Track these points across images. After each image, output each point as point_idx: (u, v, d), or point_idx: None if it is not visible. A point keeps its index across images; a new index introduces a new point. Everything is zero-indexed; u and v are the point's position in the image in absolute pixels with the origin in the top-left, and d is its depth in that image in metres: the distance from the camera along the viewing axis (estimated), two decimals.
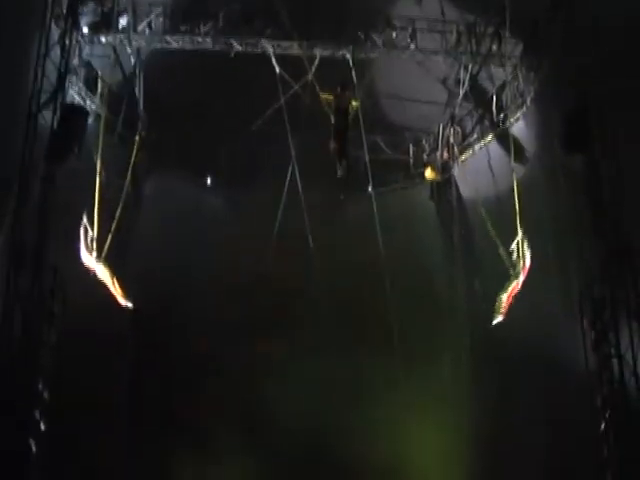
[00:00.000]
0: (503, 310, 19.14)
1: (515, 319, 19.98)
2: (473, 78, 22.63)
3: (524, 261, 18.59)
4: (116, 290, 18.88)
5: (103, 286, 18.74)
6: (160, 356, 22.60)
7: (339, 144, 20.07)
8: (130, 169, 21.43)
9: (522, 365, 20.88)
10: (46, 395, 17.05)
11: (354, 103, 20.40)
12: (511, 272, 18.99)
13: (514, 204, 19.01)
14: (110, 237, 18.86)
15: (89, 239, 18.36)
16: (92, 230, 18.39)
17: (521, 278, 18.69)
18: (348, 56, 21.29)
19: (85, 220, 18.39)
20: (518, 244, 18.81)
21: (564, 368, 19.01)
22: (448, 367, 23.59)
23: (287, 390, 22.25)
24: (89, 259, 18.39)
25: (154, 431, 21.70)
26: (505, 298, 19.02)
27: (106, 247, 18.65)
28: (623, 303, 16.93)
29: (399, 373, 22.22)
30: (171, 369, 22.67)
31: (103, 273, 18.60)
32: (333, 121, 20.21)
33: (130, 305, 19.27)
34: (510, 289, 18.91)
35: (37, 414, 16.78)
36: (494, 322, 19.44)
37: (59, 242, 17.86)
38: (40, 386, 16.96)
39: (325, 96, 20.20)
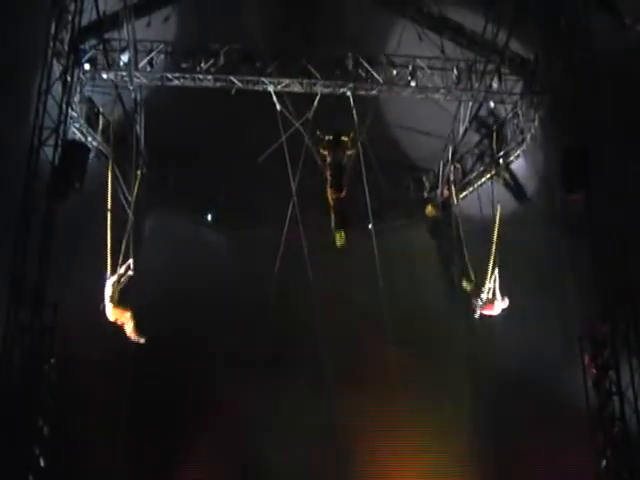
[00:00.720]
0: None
1: (516, 357, 19.96)
2: (473, 116, 22.61)
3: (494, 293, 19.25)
4: (132, 328, 18.68)
5: (105, 323, 18.61)
6: (160, 393, 22.47)
7: (339, 213, 20.14)
8: (132, 206, 21.37)
9: (523, 403, 20.80)
10: (46, 431, 16.94)
11: (349, 153, 20.51)
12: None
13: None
14: (123, 274, 18.70)
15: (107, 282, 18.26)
16: (110, 271, 18.31)
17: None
18: (349, 93, 21.37)
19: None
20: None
21: (565, 405, 18.97)
22: (448, 409, 23.42)
23: (284, 431, 22.22)
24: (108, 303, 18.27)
25: (151, 468, 21.57)
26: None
27: (118, 286, 18.52)
28: (623, 340, 16.88)
29: (399, 415, 22.16)
30: (171, 406, 22.53)
31: (120, 314, 18.42)
32: (329, 177, 20.32)
33: (143, 340, 19.02)
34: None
35: (37, 450, 16.67)
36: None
37: (59, 279, 17.81)
38: (40, 422, 16.85)
39: (321, 150, 20.40)
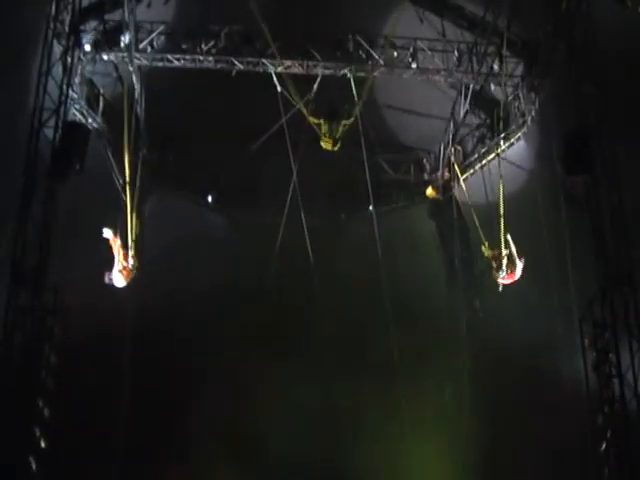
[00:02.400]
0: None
1: (516, 340, 19.98)
2: (474, 97, 22.56)
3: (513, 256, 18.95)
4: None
5: (103, 304, 18.65)
6: (159, 375, 22.46)
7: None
8: (135, 188, 21.35)
9: (522, 386, 20.86)
10: (46, 413, 16.98)
11: (345, 122, 20.54)
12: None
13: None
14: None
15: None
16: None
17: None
18: (349, 75, 21.35)
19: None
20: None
21: (565, 388, 18.99)
22: (448, 392, 23.45)
23: (283, 413, 22.25)
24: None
25: (151, 451, 21.63)
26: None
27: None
28: (624, 323, 16.88)
29: (399, 398, 22.22)
30: (171, 389, 22.54)
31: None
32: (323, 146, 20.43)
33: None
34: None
35: (37, 432, 16.71)
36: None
37: (60, 260, 17.81)
38: (40, 404, 16.89)
39: (315, 121, 20.42)
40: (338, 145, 20.67)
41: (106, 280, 17.91)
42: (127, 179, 19.43)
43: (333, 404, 22.81)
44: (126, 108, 19.74)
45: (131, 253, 18.25)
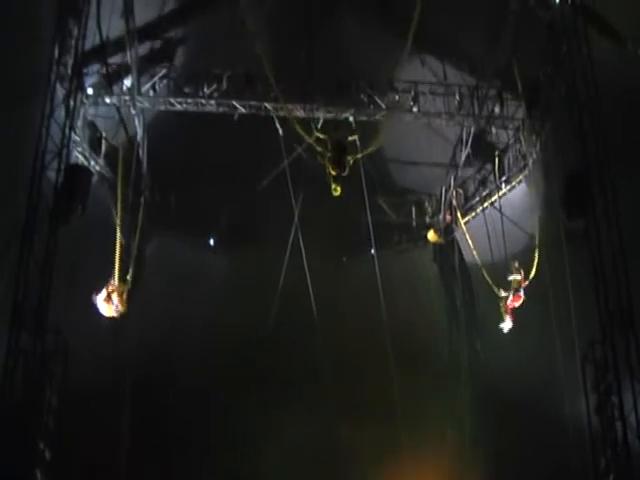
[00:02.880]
0: (508, 314, 19.96)
1: (518, 381, 19.89)
2: (476, 141, 22.62)
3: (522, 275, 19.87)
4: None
5: (103, 345, 18.65)
6: (159, 419, 22.39)
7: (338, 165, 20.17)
8: (138, 230, 21.41)
9: (525, 427, 20.72)
10: (47, 455, 16.88)
11: (350, 138, 20.60)
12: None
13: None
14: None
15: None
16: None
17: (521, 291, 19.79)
18: (351, 119, 21.42)
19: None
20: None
21: (567, 431, 18.87)
22: (450, 432, 23.33)
23: (283, 458, 22.15)
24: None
25: None
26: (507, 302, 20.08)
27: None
28: (626, 365, 16.79)
29: (400, 441, 22.10)
30: (170, 433, 22.47)
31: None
32: (329, 156, 20.38)
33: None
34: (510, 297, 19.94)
35: (38, 474, 16.60)
36: (504, 328, 19.87)
37: (61, 302, 17.77)
38: (41, 446, 16.80)
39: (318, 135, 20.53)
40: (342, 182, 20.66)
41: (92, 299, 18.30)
42: (118, 222, 19.60)
43: (333, 448, 22.68)
44: (120, 155, 20.05)
45: (117, 298, 18.44)
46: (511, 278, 20.23)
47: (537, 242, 20.11)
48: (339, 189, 20.20)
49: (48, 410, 17.06)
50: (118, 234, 19.42)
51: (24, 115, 18.60)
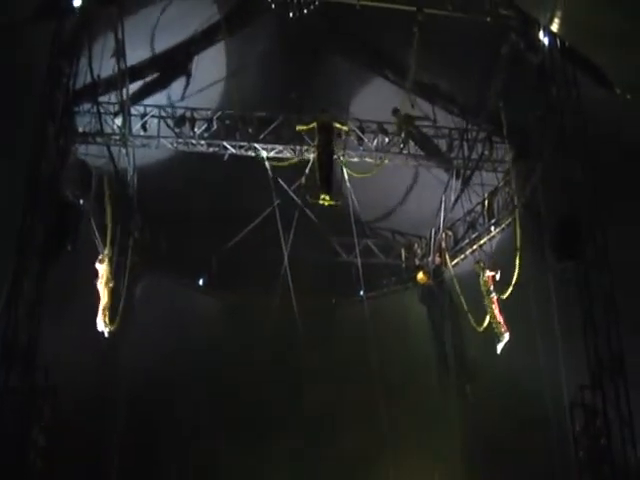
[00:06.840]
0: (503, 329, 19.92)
1: (506, 424, 19.82)
2: (465, 183, 22.65)
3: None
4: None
5: (92, 383, 18.58)
6: (149, 458, 22.27)
7: (324, 172, 20.10)
8: (127, 270, 21.41)
9: (514, 470, 20.61)
10: None
11: (339, 125, 20.71)
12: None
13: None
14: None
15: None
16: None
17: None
18: (341, 160, 21.45)
19: None
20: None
21: (556, 474, 18.77)
22: (438, 473, 23.20)
23: None
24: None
25: None
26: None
27: None
28: (615, 410, 16.76)
29: None
30: (159, 472, 22.34)
31: None
32: (316, 141, 20.50)
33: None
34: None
35: None
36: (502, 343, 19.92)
37: (51, 340, 17.69)
38: None
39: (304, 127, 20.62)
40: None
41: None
42: (101, 257, 19.71)
43: None
44: (107, 194, 20.14)
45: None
46: (482, 280, 20.19)
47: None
48: (327, 198, 20.14)
49: (35, 449, 16.88)
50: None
51: (14, 153, 18.62)
